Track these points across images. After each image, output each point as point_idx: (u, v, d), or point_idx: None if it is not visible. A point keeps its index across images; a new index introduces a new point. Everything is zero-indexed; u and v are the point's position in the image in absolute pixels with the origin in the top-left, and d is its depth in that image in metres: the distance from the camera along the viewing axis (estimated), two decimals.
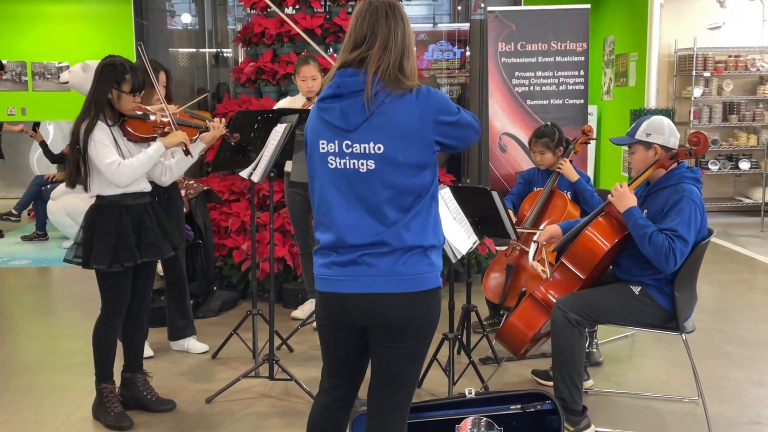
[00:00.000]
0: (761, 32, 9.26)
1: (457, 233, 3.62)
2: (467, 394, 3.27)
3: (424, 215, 2.24)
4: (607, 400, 3.90)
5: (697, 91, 9.12)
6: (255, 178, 3.90)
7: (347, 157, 2.21)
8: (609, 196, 3.47)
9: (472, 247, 3.63)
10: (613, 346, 4.69)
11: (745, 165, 9.19)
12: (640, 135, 3.51)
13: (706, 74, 9.09)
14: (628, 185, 3.49)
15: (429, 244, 2.25)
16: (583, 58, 6.45)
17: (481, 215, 3.83)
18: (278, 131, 3.85)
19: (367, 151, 2.18)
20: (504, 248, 4.69)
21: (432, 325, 2.32)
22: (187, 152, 3.64)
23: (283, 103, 5.01)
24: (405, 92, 2.19)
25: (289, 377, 3.97)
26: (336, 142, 2.22)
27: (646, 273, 3.46)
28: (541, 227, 4.40)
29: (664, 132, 3.49)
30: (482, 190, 3.90)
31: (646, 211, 3.44)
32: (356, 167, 2.19)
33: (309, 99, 4.77)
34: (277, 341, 4.43)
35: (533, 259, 4.35)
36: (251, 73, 6.25)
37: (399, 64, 2.21)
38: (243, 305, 5.62)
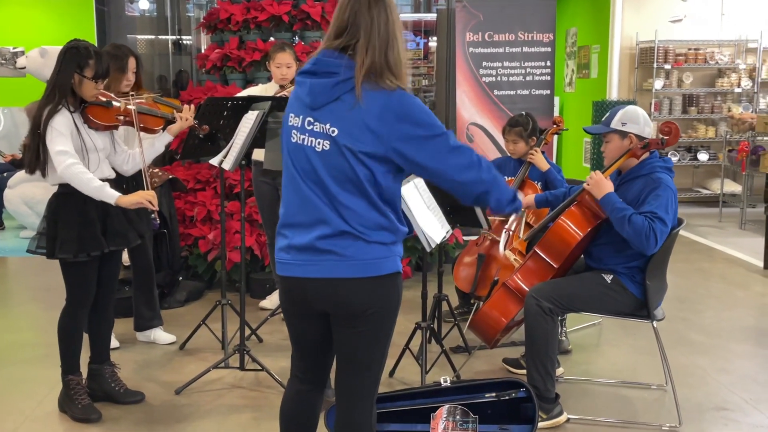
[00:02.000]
0: (720, 26, 9.42)
1: (431, 222, 3.60)
2: (442, 383, 3.26)
3: (381, 200, 2.21)
4: (577, 387, 3.94)
5: (658, 83, 9.25)
6: (226, 165, 3.84)
7: (307, 134, 2.22)
8: (585, 184, 3.49)
9: (446, 237, 3.62)
10: (581, 335, 4.73)
11: (703, 156, 9.36)
12: (615, 124, 3.53)
13: (667, 67, 9.23)
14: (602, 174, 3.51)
15: (388, 228, 2.24)
16: (549, 49, 6.48)
17: (453, 204, 3.83)
18: (249, 118, 3.79)
19: (324, 132, 2.19)
20: (475, 238, 4.69)
21: (392, 310, 2.32)
22: (152, 212, 3.45)
23: (256, 91, 4.93)
24: (378, 88, 2.15)
25: (260, 367, 3.92)
26: (301, 116, 2.24)
27: (618, 262, 3.50)
28: (512, 218, 4.42)
29: (639, 121, 3.52)
30: None
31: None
32: (313, 145, 2.21)
33: (282, 87, 4.70)
34: (246, 332, 4.38)
35: (504, 248, 4.37)
36: (217, 60, 6.15)
37: (384, 57, 2.18)
38: (209, 296, 5.55)
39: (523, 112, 4.72)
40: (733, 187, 9.29)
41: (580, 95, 10.57)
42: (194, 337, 4.47)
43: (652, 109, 9.26)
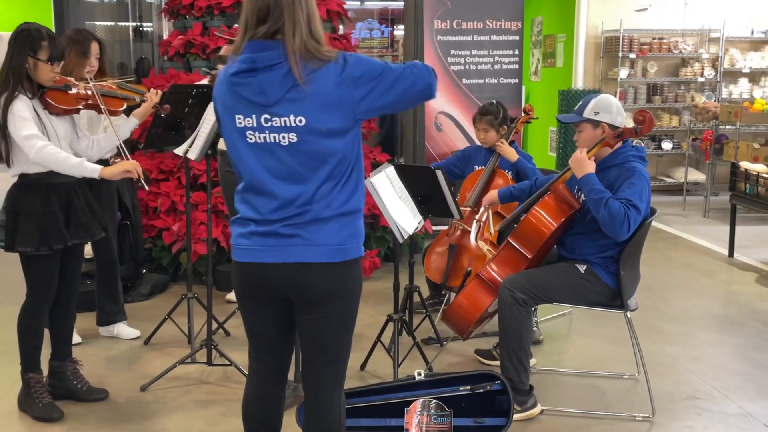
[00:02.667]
0: (683, 15, 9.49)
1: (403, 213, 3.53)
2: (416, 377, 3.21)
3: (346, 182, 2.19)
4: (549, 378, 3.91)
5: (623, 73, 9.29)
6: (192, 155, 3.73)
7: (267, 132, 2.14)
8: (570, 161, 3.44)
9: (418, 227, 3.56)
10: (552, 324, 4.72)
11: (667, 145, 9.43)
12: (588, 113, 3.50)
13: (632, 56, 9.27)
14: None
15: (352, 212, 2.21)
16: (517, 37, 6.45)
17: (425, 194, 3.77)
18: None
19: (288, 124, 2.12)
20: (446, 228, 4.64)
21: (356, 294, 2.30)
22: (139, 183, 3.35)
23: None
24: (327, 62, 2.11)
25: (228, 362, 3.83)
26: (254, 116, 2.14)
27: (592, 252, 3.47)
28: (482, 208, 4.38)
29: (612, 110, 3.49)
30: (426, 169, 3.85)
31: None
32: (277, 141, 2.14)
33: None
34: (213, 326, 4.27)
35: (476, 238, 4.33)
36: (180, 47, 6.00)
37: (310, 32, 2.13)
38: (174, 288, 5.43)
39: (494, 101, 4.68)
40: (696, 175, 9.38)
41: (546, 84, 10.59)
42: (159, 331, 4.36)
43: (617, 98, 9.29)
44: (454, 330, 3.72)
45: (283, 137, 2.14)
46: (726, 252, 6.52)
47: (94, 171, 3.23)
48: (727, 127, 8.24)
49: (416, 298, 4.42)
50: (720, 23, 9.31)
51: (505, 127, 4.55)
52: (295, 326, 2.36)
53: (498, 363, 3.97)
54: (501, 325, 3.44)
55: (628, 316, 3.52)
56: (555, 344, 4.43)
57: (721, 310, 5.06)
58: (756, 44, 9.69)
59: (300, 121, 2.12)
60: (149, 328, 4.41)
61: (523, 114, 4.66)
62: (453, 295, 4.62)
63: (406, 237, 3.47)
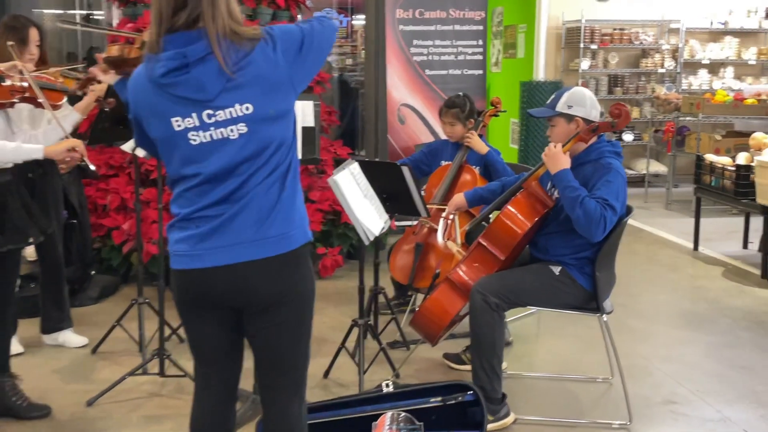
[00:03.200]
0: (643, 6, 9.42)
1: (369, 212, 3.33)
2: (384, 388, 3.02)
3: (286, 170, 2.08)
4: (521, 383, 3.76)
5: (585, 64, 9.20)
6: (140, 152, 3.48)
7: (212, 128, 1.99)
8: (543, 156, 3.27)
9: (384, 228, 3.36)
10: (520, 324, 4.57)
11: (628, 137, 9.38)
12: (561, 107, 3.33)
13: (593, 47, 9.18)
14: None
15: (292, 198, 2.09)
16: (481, 27, 6.29)
17: (390, 192, 3.59)
18: None
19: (234, 115, 1.99)
20: (410, 224, 4.45)
21: (310, 290, 2.15)
22: (85, 168, 3.13)
23: None
24: (256, 43, 1.99)
25: (182, 373, 3.60)
26: (194, 115, 1.99)
27: (566, 252, 3.32)
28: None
29: (586, 104, 3.33)
30: (392, 166, 3.67)
31: None
32: (226, 135, 2.00)
33: None
34: (166, 331, 4.03)
35: (443, 237, 4.14)
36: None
37: (230, 15, 1.98)
38: (125, 291, 5.16)
39: (461, 93, 4.49)
40: (656, 167, 9.35)
41: (507, 75, 10.44)
42: (108, 339, 4.09)
43: None
44: (422, 336, 3.53)
45: (231, 130, 1.99)
46: (690, 245, 6.46)
47: (36, 151, 3.03)
48: (688, 118, 8.21)
49: (381, 299, 4.23)
50: (680, 14, 9.26)
51: (472, 120, 4.37)
52: (242, 335, 2.20)
53: (468, 367, 3.81)
54: (473, 330, 3.26)
55: (605, 319, 3.37)
56: (525, 346, 4.28)
57: (690, 307, 4.97)
58: (715, 35, 9.68)
59: (247, 108, 1.98)
60: (98, 335, 4.14)
61: (491, 107, 4.48)
62: (420, 296, 4.45)
63: (371, 238, 3.28)
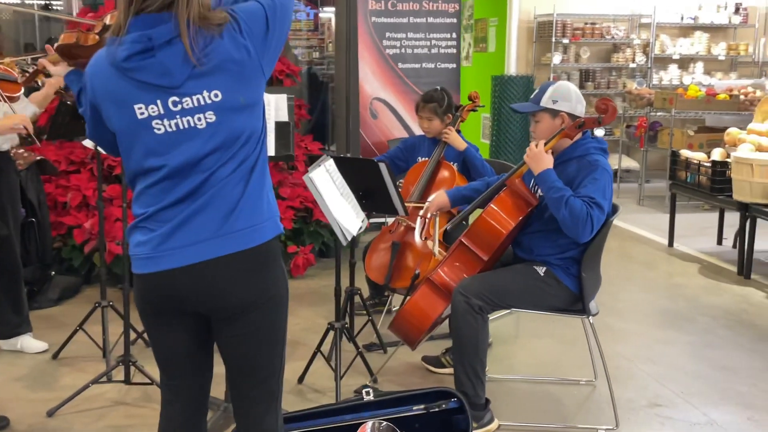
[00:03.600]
0: (615, 0, 9.38)
1: (346, 211, 3.19)
2: (365, 396, 2.88)
3: (254, 163, 1.94)
4: (503, 387, 3.64)
5: (557, 58, 9.13)
6: None
7: (178, 116, 1.86)
8: (525, 156, 3.15)
9: (362, 227, 3.21)
10: (499, 324, 4.45)
11: (599, 132, 9.30)
12: (545, 102, 3.21)
13: (565, 41, 9.11)
14: None
15: (260, 190, 1.96)
16: (455, 20, 6.16)
17: (366, 189, 3.44)
18: None
19: (202, 102, 1.85)
20: (387, 222, 4.31)
21: (283, 292, 2.00)
22: (29, 139, 2.97)
23: None
24: (223, 27, 1.85)
25: (148, 381, 3.41)
26: (158, 102, 1.85)
27: (551, 252, 3.20)
28: (429, 199, 4.06)
29: (571, 99, 3.21)
30: (368, 162, 3.51)
31: None
32: (193, 124, 1.86)
33: None
34: (131, 335, 3.84)
35: (420, 236, 4.02)
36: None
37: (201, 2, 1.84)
38: (87, 292, 4.94)
39: (438, 87, 4.35)
40: (627, 162, 9.33)
41: (478, 69, 10.33)
42: (70, 343, 3.89)
43: None
44: (402, 339, 3.39)
45: (199, 119, 1.85)
46: (665, 241, 6.41)
47: None
48: (660, 113, 8.18)
49: (357, 299, 4.08)
50: (650, 9, 9.24)
51: (450, 115, 4.24)
52: (211, 342, 2.06)
53: (448, 371, 3.70)
54: (455, 334, 3.13)
55: (591, 321, 3.27)
56: (504, 347, 4.17)
57: (668, 305, 4.90)
58: (685, 30, 9.68)
59: (216, 96, 1.85)
60: (59, 339, 3.93)
61: (468, 101, 4.35)
62: (397, 297, 4.32)
63: (349, 239, 3.13)
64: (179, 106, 1.84)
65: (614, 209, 3.23)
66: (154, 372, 3.44)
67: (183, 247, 1.88)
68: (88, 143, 3.41)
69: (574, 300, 3.21)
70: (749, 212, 5.37)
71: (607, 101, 3.16)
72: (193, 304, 1.94)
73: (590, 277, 3.20)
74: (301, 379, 3.60)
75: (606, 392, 3.53)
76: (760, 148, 5.78)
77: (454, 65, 6.15)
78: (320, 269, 5.39)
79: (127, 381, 3.44)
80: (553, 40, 8.97)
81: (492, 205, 3.17)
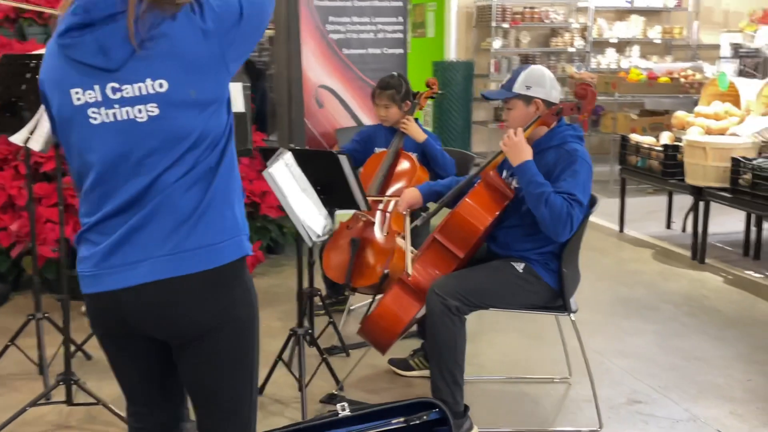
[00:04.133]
0: None
1: (309, 209, 2.94)
2: (340, 411, 2.64)
3: (213, 168, 1.66)
4: (476, 389, 3.46)
5: (497, 43, 9.01)
6: (34, 145, 2.96)
7: (116, 105, 1.59)
8: (501, 144, 2.95)
9: (327, 226, 2.97)
10: None
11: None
12: (519, 88, 3.02)
13: (505, 26, 9.00)
14: None
15: (222, 202, 1.68)
16: (401, 3, 5.92)
17: (325, 183, 3.19)
18: None
19: (144, 92, 1.58)
20: (346, 217, 4.07)
21: (250, 313, 1.74)
22: None
23: None
24: (179, 8, 1.59)
25: (93, 400, 3.10)
26: (96, 87, 1.59)
27: (529, 247, 3.03)
28: (388, 192, 3.85)
29: (545, 84, 3.04)
30: (327, 154, 3.28)
31: None
32: (132, 116, 1.59)
33: None
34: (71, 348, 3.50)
35: (381, 231, 3.80)
36: (9, 11, 5.05)
37: None
38: (16, 300, 4.56)
39: (395, 73, 4.13)
40: None
41: (417, 55, 10.13)
42: (1, 359, 3.52)
43: (492, 70, 9.02)
44: (372, 344, 3.16)
45: (140, 111, 1.58)
46: (615, 227, 6.36)
47: None
48: (603, 98, 8.13)
49: (317, 300, 3.83)
50: None
51: (408, 102, 4.02)
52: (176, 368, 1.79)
53: (417, 373, 3.51)
54: (431, 337, 2.93)
55: (573, 319, 3.11)
56: (471, 345, 3.86)
57: (628, 293, 4.82)
58: (621, 14, 9.69)
59: (160, 85, 1.58)
60: None
61: (426, 88, 4.14)
62: (358, 296, 4.11)
63: (315, 239, 2.89)
64: (118, 94, 1.58)
65: (592, 201, 3.08)
66: (99, 390, 3.14)
67: (124, 266, 1.63)
68: (16, 140, 3.05)
69: (554, 297, 3.05)
70: (703, 196, 5.34)
71: (586, 86, 2.99)
72: (142, 329, 1.69)
73: (570, 273, 3.05)
74: (261, 390, 3.34)
75: (583, 390, 3.41)
76: (709, 131, 5.77)
77: (401, 51, 5.92)
78: (269, 267, 5.11)
79: (69, 402, 3.11)
80: (493, 25, 8.84)
81: (467, 200, 2.97)
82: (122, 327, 1.70)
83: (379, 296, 3.25)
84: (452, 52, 9.22)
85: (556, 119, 3.00)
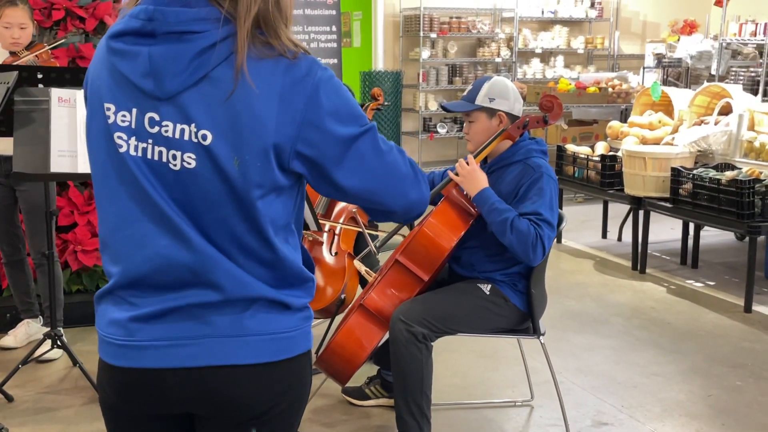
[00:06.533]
0: None
1: None
2: None
3: (284, 240, 1.34)
4: (438, 417, 3.26)
5: (425, 53, 8.91)
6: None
7: (150, 141, 1.27)
8: (452, 174, 2.80)
9: None
10: None
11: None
12: (481, 100, 2.88)
13: (433, 35, 8.91)
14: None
15: (298, 282, 1.38)
16: (334, 12, 5.75)
17: None
18: None
19: (186, 137, 1.26)
20: None
21: (302, 402, 1.45)
22: None
23: None
24: (276, 57, 1.27)
25: None
26: (134, 111, 1.28)
27: (494, 268, 2.88)
28: (336, 209, 3.65)
29: (509, 96, 2.90)
30: None
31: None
32: (165, 159, 1.27)
33: (14, 54, 3.53)
34: None
35: (330, 251, 3.59)
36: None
37: (278, 3, 1.29)
38: None
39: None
40: None
41: (344, 65, 9.99)
42: None
43: (420, 80, 8.92)
44: (331, 376, 2.94)
45: (174, 156, 1.26)
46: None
47: None
48: (527, 108, 8.14)
49: None
50: (513, 3, 9.23)
51: None
52: None
53: (373, 402, 3.31)
54: (396, 367, 2.74)
55: (543, 341, 2.97)
56: None
57: (578, 306, 4.74)
58: (545, 24, 9.77)
59: (204, 137, 1.25)
60: None
61: (372, 100, 3.96)
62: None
63: None
64: (156, 128, 1.28)
65: (560, 220, 2.96)
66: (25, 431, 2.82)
67: (178, 341, 1.32)
68: None
69: (522, 319, 2.91)
70: (642, 206, 5.34)
71: (552, 98, 2.87)
72: (180, 408, 1.38)
73: (538, 293, 2.91)
74: None
75: (546, 413, 3.30)
76: (644, 141, 5.80)
77: (336, 60, 5.74)
78: None
79: None
80: (421, 34, 8.74)
81: (431, 219, 2.80)
82: (152, 406, 1.38)
83: (335, 323, 3.03)
84: (380, 62, 9.08)
85: (521, 132, 2.86)
